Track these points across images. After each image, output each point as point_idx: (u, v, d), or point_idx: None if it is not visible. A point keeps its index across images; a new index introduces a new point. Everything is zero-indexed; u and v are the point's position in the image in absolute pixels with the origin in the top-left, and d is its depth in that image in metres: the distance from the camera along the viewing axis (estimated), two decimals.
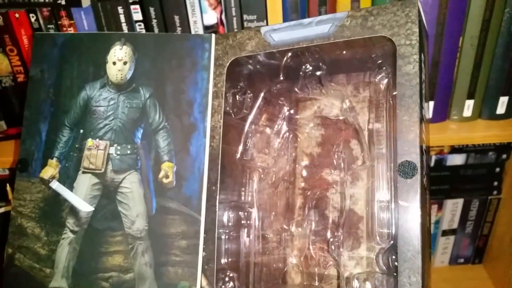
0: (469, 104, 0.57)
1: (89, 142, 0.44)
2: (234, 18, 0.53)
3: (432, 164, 0.77)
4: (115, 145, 0.44)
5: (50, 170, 0.44)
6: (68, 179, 0.43)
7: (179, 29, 0.54)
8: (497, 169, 0.78)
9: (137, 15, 0.53)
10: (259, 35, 0.42)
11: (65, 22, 0.54)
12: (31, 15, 0.53)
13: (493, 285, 0.80)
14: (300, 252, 0.45)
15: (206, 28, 0.54)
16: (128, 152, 0.44)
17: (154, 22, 0.53)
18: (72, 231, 0.42)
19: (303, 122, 0.49)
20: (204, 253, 0.41)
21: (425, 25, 0.40)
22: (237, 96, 0.46)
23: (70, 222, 0.43)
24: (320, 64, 0.43)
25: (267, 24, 0.53)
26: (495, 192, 0.79)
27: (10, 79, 0.59)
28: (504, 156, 0.77)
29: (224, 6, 0.53)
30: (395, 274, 0.36)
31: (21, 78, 0.59)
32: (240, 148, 0.46)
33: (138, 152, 0.44)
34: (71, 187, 0.43)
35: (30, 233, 0.43)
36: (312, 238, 0.46)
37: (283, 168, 0.47)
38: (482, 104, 0.57)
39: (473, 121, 0.58)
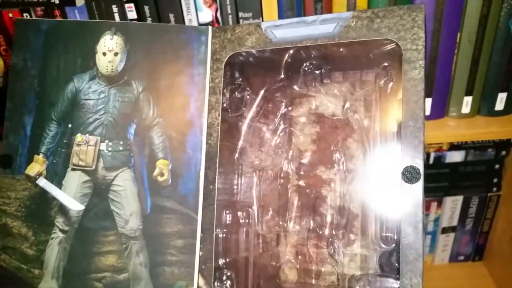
0: (468, 100, 0.57)
1: (78, 137, 0.42)
2: (230, 16, 0.52)
3: (431, 161, 0.77)
4: (106, 141, 0.42)
5: (37, 166, 0.42)
6: (56, 176, 0.42)
7: None
8: (497, 166, 0.77)
9: (132, 14, 0.51)
10: (260, 30, 0.41)
11: None
12: (25, 14, 0.51)
13: (494, 282, 0.80)
14: (296, 249, 0.46)
15: None
16: (121, 148, 0.42)
17: (149, 20, 0.51)
18: (62, 231, 0.41)
19: (298, 119, 0.49)
20: (201, 252, 0.41)
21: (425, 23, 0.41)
22: (236, 93, 0.45)
23: (59, 221, 0.41)
24: (322, 61, 0.42)
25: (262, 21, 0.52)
26: (494, 189, 0.79)
27: (5, 80, 0.56)
28: (504, 152, 0.76)
29: (220, 4, 0.52)
30: (394, 275, 0.37)
31: None
32: (239, 146, 0.45)
33: (131, 148, 0.43)
34: (59, 185, 0.42)
35: (16, 232, 0.42)
36: (307, 235, 0.46)
37: (279, 165, 0.47)
38: (481, 101, 0.57)
39: (472, 118, 0.58)
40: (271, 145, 0.47)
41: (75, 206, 0.41)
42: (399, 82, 0.37)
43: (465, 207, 0.80)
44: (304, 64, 0.43)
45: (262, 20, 0.52)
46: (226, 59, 0.42)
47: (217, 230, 0.41)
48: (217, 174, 0.41)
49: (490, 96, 0.56)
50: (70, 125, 0.42)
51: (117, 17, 0.51)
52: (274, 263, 0.45)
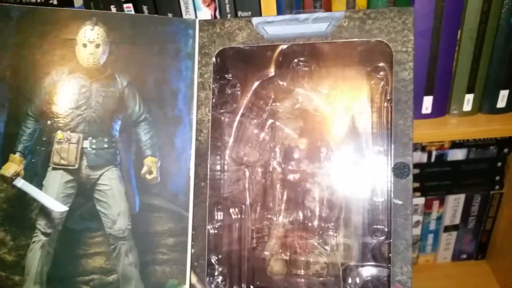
0: (469, 98, 0.56)
1: (59, 134, 0.40)
2: (229, 15, 0.52)
3: (432, 159, 0.77)
4: (90, 138, 0.41)
5: (13, 166, 0.39)
6: (35, 177, 0.40)
7: None
8: (499, 164, 0.77)
9: None
10: (251, 26, 0.41)
11: None
12: None
13: (497, 280, 0.80)
14: (284, 241, 0.48)
15: None
16: (105, 146, 0.41)
17: None
18: (44, 234, 0.39)
19: (283, 113, 0.50)
20: (193, 249, 0.41)
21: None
22: (226, 89, 0.45)
23: (41, 223, 0.39)
24: (312, 58, 0.43)
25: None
26: (497, 187, 0.78)
27: None
28: (506, 150, 0.76)
29: (218, 3, 0.51)
30: (383, 265, 0.40)
31: None
32: (230, 142, 0.45)
33: (117, 146, 0.41)
34: (40, 185, 0.40)
35: None
36: (295, 228, 0.48)
37: (267, 160, 0.48)
38: (482, 98, 0.57)
39: (473, 116, 0.58)
40: (258, 141, 0.47)
41: (58, 207, 0.39)
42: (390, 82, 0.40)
43: (468, 205, 0.80)
44: (295, 61, 0.44)
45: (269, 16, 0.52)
46: (215, 53, 0.42)
47: (209, 226, 0.42)
48: (208, 171, 0.42)
49: (491, 94, 0.56)
50: (49, 122, 0.40)
51: None
52: (264, 257, 0.47)
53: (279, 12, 0.52)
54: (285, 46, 0.42)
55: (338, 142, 0.47)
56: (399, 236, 0.38)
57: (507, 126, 0.56)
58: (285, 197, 0.48)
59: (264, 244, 0.47)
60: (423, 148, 0.78)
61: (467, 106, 0.58)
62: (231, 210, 0.46)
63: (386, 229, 0.40)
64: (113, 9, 0.50)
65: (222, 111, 0.46)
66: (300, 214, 0.47)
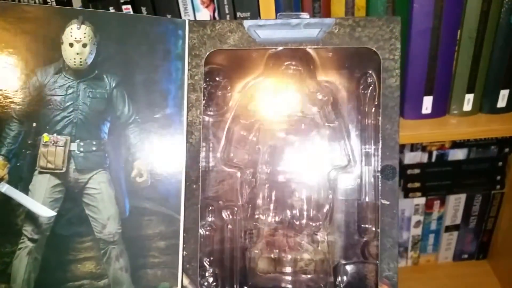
0: (469, 98, 0.57)
1: (45, 137, 0.39)
2: (228, 16, 0.52)
3: (433, 159, 0.78)
4: (77, 140, 0.40)
5: None
6: (21, 181, 0.39)
7: None
8: (500, 163, 0.77)
9: None
10: (242, 29, 0.42)
11: None
12: None
13: (498, 280, 0.80)
14: (271, 240, 0.49)
15: None
16: (94, 148, 0.41)
17: None
18: (31, 240, 0.39)
19: (269, 115, 0.51)
20: (185, 252, 0.42)
21: None
22: (217, 91, 0.45)
23: (27, 229, 0.39)
24: (303, 63, 0.44)
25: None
26: (498, 187, 0.79)
27: None
28: (507, 149, 0.76)
29: (217, 4, 0.52)
30: (370, 262, 0.42)
31: None
32: (221, 145, 0.46)
33: (106, 148, 0.41)
34: (26, 190, 0.39)
35: None
36: (279, 226, 0.49)
37: (255, 161, 0.49)
38: (482, 98, 0.57)
39: (474, 116, 0.58)
40: (246, 142, 0.48)
41: (45, 212, 0.39)
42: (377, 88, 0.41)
43: (469, 205, 0.81)
44: (285, 64, 0.45)
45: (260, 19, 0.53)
46: (206, 55, 0.42)
47: (201, 228, 0.42)
48: (200, 173, 0.42)
49: (492, 93, 0.57)
50: (34, 124, 0.39)
51: None
52: (254, 256, 0.48)
53: (278, 11, 0.53)
54: (276, 49, 0.43)
55: (324, 144, 0.48)
56: (386, 234, 0.40)
57: (507, 126, 0.56)
58: (273, 197, 0.49)
59: (253, 244, 0.48)
60: (423, 148, 0.78)
61: (467, 106, 0.58)
62: (223, 212, 0.47)
63: (374, 228, 0.42)
64: (112, 10, 0.50)
65: (211, 113, 0.46)
66: (288, 213, 0.49)
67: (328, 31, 0.41)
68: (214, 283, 0.46)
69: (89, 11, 0.42)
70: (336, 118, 0.47)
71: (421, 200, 0.81)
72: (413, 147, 0.79)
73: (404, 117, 0.60)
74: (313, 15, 0.53)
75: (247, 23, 0.42)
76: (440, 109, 0.59)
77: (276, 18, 0.46)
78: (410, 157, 0.80)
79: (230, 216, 0.48)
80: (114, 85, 0.41)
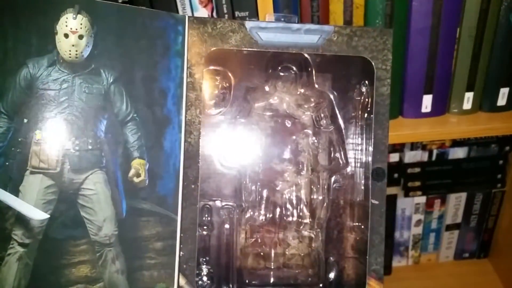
0: (469, 96, 0.57)
1: (37, 134, 0.37)
2: (226, 16, 0.52)
3: (433, 158, 0.79)
4: (73, 138, 0.38)
5: None
6: (10, 182, 0.36)
7: None
8: (500, 162, 0.78)
9: None
10: (244, 29, 0.43)
11: None
12: None
13: (499, 279, 0.81)
14: (260, 237, 0.51)
15: None
16: (90, 147, 0.39)
17: None
18: (21, 245, 0.36)
19: (256, 112, 0.52)
20: (182, 252, 0.42)
21: None
22: (217, 90, 0.45)
23: (17, 233, 0.36)
24: (300, 66, 0.46)
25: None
26: (499, 185, 0.79)
27: None
28: (507, 148, 0.77)
29: (215, 3, 0.51)
30: (359, 257, 0.46)
31: None
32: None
33: (102, 147, 0.40)
34: (16, 192, 0.36)
35: None
36: (269, 223, 0.52)
37: (248, 160, 0.50)
38: (482, 96, 0.58)
39: (474, 114, 0.59)
40: (240, 141, 0.49)
41: (37, 215, 0.37)
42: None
43: (469, 204, 0.81)
44: (282, 66, 0.46)
45: (258, 19, 0.54)
46: (206, 54, 0.42)
47: (198, 228, 0.43)
48: (199, 173, 0.42)
49: (491, 92, 0.57)
50: (25, 120, 0.37)
51: None
52: (248, 253, 0.49)
53: (276, 11, 0.54)
54: (276, 52, 0.44)
55: (317, 147, 0.51)
56: (375, 232, 0.44)
57: (507, 124, 0.57)
58: (265, 196, 0.51)
59: (249, 242, 0.50)
60: (424, 147, 0.79)
61: (467, 105, 0.59)
62: (220, 211, 0.48)
63: (363, 226, 0.46)
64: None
65: (210, 112, 0.47)
66: (280, 212, 0.51)
67: (327, 38, 0.43)
68: (209, 282, 0.47)
69: (86, 0, 0.40)
70: (330, 122, 0.50)
71: (422, 199, 0.83)
72: (413, 146, 0.80)
73: (404, 116, 0.61)
74: (311, 14, 0.55)
75: (248, 24, 0.43)
76: (439, 108, 0.59)
77: (265, 19, 0.47)
78: (411, 156, 0.81)
79: (226, 215, 0.49)
80: (111, 80, 0.40)
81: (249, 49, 0.43)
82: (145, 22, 0.41)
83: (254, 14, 0.53)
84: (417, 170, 0.81)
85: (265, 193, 0.52)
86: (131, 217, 0.41)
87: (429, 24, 0.54)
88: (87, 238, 0.39)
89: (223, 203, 0.48)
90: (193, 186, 0.43)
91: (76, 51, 0.38)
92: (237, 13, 0.53)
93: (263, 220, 0.51)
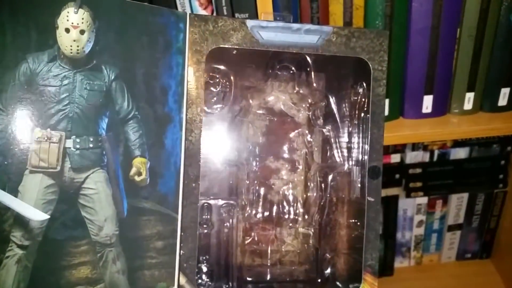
0: (470, 96, 0.58)
1: (37, 132, 0.36)
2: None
3: (435, 158, 0.79)
4: (73, 136, 0.38)
5: None
6: (9, 182, 0.35)
7: None
8: (502, 162, 0.78)
9: None
10: (245, 28, 0.43)
11: None
12: None
13: (502, 279, 0.81)
14: (257, 234, 0.52)
15: None
16: (91, 145, 0.38)
17: None
18: (20, 247, 0.35)
19: (254, 111, 0.53)
20: (182, 251, 0.42)
21: None
22: (217, 88, 0.45)
23: (16, 235, 0.35)
24: (299, 65, 0.47)
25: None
26: (500, 185, 0.79)
27: None
28: (509, 148, 0.77)
29: (215, 5, 0.51)
30: (354, 253, 0.48)
31: None
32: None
33: (103, 145, 0.39)
34: (15, 192, 0.35)
35: None
36: (260, 221, 0.52)
37: (246, 158, 0.51)
38: (483, 97, 0.58)
39: (475, 114, 0.59)
40: (240, 140, 0.49)
41: (37, 215, 0.36)
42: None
43: (471, 204, 0.82)
44: (281, 65, 0.47)
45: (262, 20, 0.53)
46: (207, 52, 0.43)
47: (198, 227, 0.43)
48: (200, 171, 0.43)
49: (492, 92, 0.58)
50: (25, 117, 0.35)
51: None
52: (246, 250, 0.50)
53: (276, 12, 0.54)
54: (276, 51, 0.45)
55: (315, 145, 0.52)
56: (371, 228, 0.46)
57: (509, 124, 0.57)
58: (261, 193, 0.52)
59: (248, 239, 0.50)
60: (425, 147, 0.79)
61: (468, 105, 0.59)
62: (220, 209, 0.48)
63: (359, 223, 0.48)
64: None
65: (209, 110, 0.47)
66: (278, 209, 0.52)
67: (327, 38, 0.45)
68: (208, 280, 0.47)
69: None
70: (326, 121, 0.51)
71: (423, 200, 0.83)
72: (415, 147, 0.80)
73: (404, 116, 0.62)
74: (311, 16, 0.56)
75: (250, 23, 0.44)
76: (440, 108, 0.60)
77: (260, 18, 0.48)
78: (412, 157, 0.81)
79: (226, 214, 0.49)
80: (113, 77, 0.39)
81: (250, 48, 0.44)
82: (147, 18, 0.41)
83: (254, 16, 0.54)
84: (418, 170, 0.81)
85: (262, 191, 0.53)
86: (132, 216, 0.41)
87: (429, 25, 0.55)
88: (88, 239, 0.39)
89: (222, 202, 0.49)
90: (193, 184, 0.43)
91: (78, 46, 0.38)
92: (237, 15, 0.53)
93: (261, 218, 0.52)
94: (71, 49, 0.37)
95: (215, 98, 0.48)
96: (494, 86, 0.59)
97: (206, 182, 0.49)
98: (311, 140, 0.54)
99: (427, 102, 0.60)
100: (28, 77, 0.36)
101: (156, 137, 0.42)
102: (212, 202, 0.49)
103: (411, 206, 0.85)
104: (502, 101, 0.60)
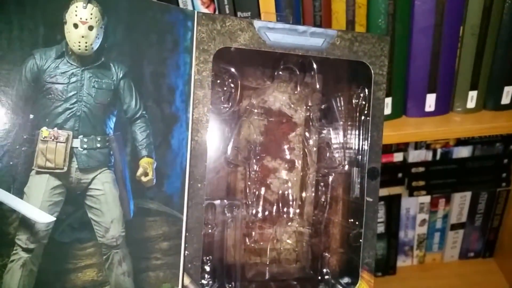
0: (473, 95, 0.58)
1: (44, 132, 0.35)
2: None
3: (438, 157, 0.79)
4: (81, 136, 0.37)
5: None
6: (15, 183, 0.34)
7: None
8: (505, 161, 0.78)
9: None
10: (253, 29, 0.43)
11: None
12: None
13: (505, 278, 0.81)
14: (255, 232, 0.52)
15: None
16: (98, 145, 0.38)
17: None
18: (25, 250, 0.34)
19: (249, 110, 0.53)
20: (187, 252, 0.42)
21: None
22: (224, 88, 0.45)
23: (22, 238, 0.34)
24: (302, 67, 0.48)
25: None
26: (503, 184, 0.79)
27: None
28: None
29: (218, 4, 0.51)
30: (352, 252, 0.49)
31: None
32: (231, 145, 0.46)
33: (111, 145, 0.38)
34: (20, 193, 0.34)
35: None
36: (260, 220, 0.53)
37: (246, 158, 0.51)
38: (486, 95, 0.58)
39: (478, 113, 0.59)
40: (242, 140, 0.50)
41: (43, 218, 0.35)
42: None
43: (474, 203, 0.82)
44: (284, 67, 0.48)
45: (260, 19, 0.53)
46: (215, 51, 0.42)
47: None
48: (206, 172, 0.43)
49: (496, 90, 0.58)
50: (31, 116, 0.34)
51: None
52: (248, 248, 0.51)
53: (278, 11, 0.54)
54: (282, 53, 0.45)
55: (316, 146, 0.53)
56: (369, 227, 0.48)
57: None
58: (262, 192, 0.53)
59: (250, 238, 0.51)
60: (428, 146, 0.80)
61: (471, 103, 0.59)
62: (224, 209, 0.48)
63: (357, 222, 0.49)
64: None
65: (216, 110, 0.47)
66: (274, 208, 0.53)
67: (331, 42, 0.46)
68: (211, 280, 0.47)
69: None
70: (327, 123, 0.52)
71: (426, 199, 0.83)
72: (417, 145, 0.81)
73: (407, 115, 0.62)
74: (313, 14, 0.56)
75: (257, 23, 0.44)
76: (443, 107, 0.60)
77: (260, 17, 0.48)
78: (415, 155, 0.81)
79: (229, 213, 0.49)
80: (121, 75, 0.39)
81: (257, 48, 0.44)
82: (156, 15, 0.40)
83: (256, 15, 0.54)
84: (421, 169, 0.81)
85: (262, 190, 0.54)
86: (138, 217, 0.40)
87: (432, 23, 0.55)
88: (94, 241, 0.38)
89: (224, 202, 0.49)
90: (199, 185, 0.43)
91: (86, 43, 0.36)
92: (239, 14, 0.53)
93: (260, 217, 0.53)
94: (79, 46, 0.36)
95: (222, 98, 0.48)
96: (497, 84, 0.59)
97: (220, 182, 0.50)
98: (310, 140, 0.55)
99: (430, 101, 0.60)
100: (35, 74, 0.35)
101: (163, 137, 0.42)
102: (215, 202, 0.49)
103: (413, 205, 0.85)
104: (506, 99, 0.60)
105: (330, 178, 0.51)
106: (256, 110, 0.53)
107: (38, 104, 0.35)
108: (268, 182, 0.54)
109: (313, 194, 0.53)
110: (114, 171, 0.39)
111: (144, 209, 0.41)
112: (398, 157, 0.82)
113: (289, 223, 0.53)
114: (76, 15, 0.36)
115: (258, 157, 0.53)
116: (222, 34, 0.43)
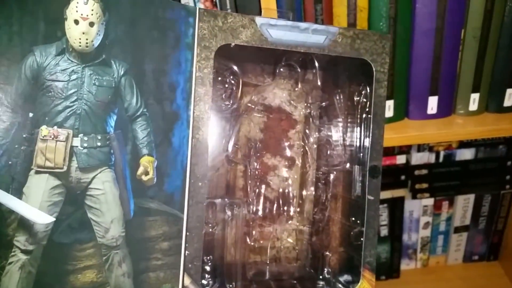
0: (475, 97, 0.58)
1: (44, 130, 0.34)
2: None
3: (441, 159, 0.79)
4: (81, 135, 0.36)
5: None
6: (13, 183, 0.33)
7: None
8: (509, 163, 0.77)
9: None
10: (254, 25, 0.43)
11: None
12: None
13: (510, 282, 0.80)
14: (256, 231, 0.52)
15: None
16: (99, 144, 0.37)
17: None
18: (24, 252, 0.34)
19: (249, 107, 0.53)
20: (187, 251, 0.42)
21: None
22: (225, 85, 0.45)
23: (20, 239, 0.34)
24: (303, 64, 0.48)
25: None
26: (507, 186, 0.79)
27: None
28: None
29: (219, 6, 0.51)
30: (353, 251, 0.50)
31: None
32: (231, 143, 0.46)
33: (111, 144, 0.38)
34: (19, 193, 0.33)
35: None
36: (261, 218, 0.53)
37: (246, 155, 0.51)
38: (488, 97, 0.58)
39: (480, 115, 0.59)
40: (241, 138, 0.49)
41: (42, 218, 0.34)
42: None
43: (478, 205, 0.81)
44: (286, 64, 0.47)
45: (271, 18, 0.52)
46: (216, 48, 0.42)
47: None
48: (208, 170, 0.42)
49: (498, 92, 0.58)
50: (30, 114, 0.34)
51: None
52: (249, 247, 0.51)
53: (280, 13, 0.53)
54: (283, 50, 0.45)
55: (316, 143, 0.53)
56: (370, 226, 0.48)
57: None
58: (262, 190, 0.53)
59: (250, 237, 0.51)
60: (430, 149, 0.80)
61: (473, 106, 0.59)
62: (225, 208, 0.48)
63: (358, 221, 0.49)
64: None
65: (217, 108, 0.46)
66: (274, 206, 0.53)
67: (333, 39, 0.45)
68: (211, 280, 0.47)
69: None
70: (329, 120, 0.52)
71: (430, 201, 0.83)
72: (420, 148, 0.81)
73: (410, 117, 0.62)
74: (315, 18, 0.56)
75: (259, 20, 0.43)
76: (445, 109, 0.60)
77: (260, 14, 0.48)
78: (417, 158, 0.81)
79: (230, 212, 0.49)
80: (122, 73, 0.38)
81: (259, 45, 0.44)
82: (158, 12, 0.40)
83: (258, 14, 0.52)
84: (424, 172, 0.81)
85: (262, 188, 0.54)
86: (138, 217, 0.40)
87: (433, 26, 0.55)
88: (94, 241, 0.38)
89: (225, 200, 0.49)
90: (200, 183, 0.43)
91: (87, 39, 0.36)
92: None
93: (261, 215, 0.53)
94: (80, 42, 0.36)
95: (223, 95, 0.47)
96: (499, 87, 0.60)
97: (220, 180, 0.49)
98: (310, 138, 0.55)
99: (432, 103, 0.60)
100: (35, 71, 0.34)
101: (164, 135, 0.41)
102: (216, 201, 0.49)
103: (417, 207, 0.85)
104: (508, 101, 0.60)
105: (331, 176, 0.52)
106: (256, 107, 0.52)
107: (37, 102, 0.34)
108: (268, 179, 0.54)
109: (313, 192, 0.53)
110: (115, 170, 0.39)
111: (144, 208, 0.41)
112: (401, 159, 0.82)
113: (289, 221, 0.53)
114: (77, 11, 0.35)
115: (258, 155, 0.53)
116: (223, 30, 0.43)
